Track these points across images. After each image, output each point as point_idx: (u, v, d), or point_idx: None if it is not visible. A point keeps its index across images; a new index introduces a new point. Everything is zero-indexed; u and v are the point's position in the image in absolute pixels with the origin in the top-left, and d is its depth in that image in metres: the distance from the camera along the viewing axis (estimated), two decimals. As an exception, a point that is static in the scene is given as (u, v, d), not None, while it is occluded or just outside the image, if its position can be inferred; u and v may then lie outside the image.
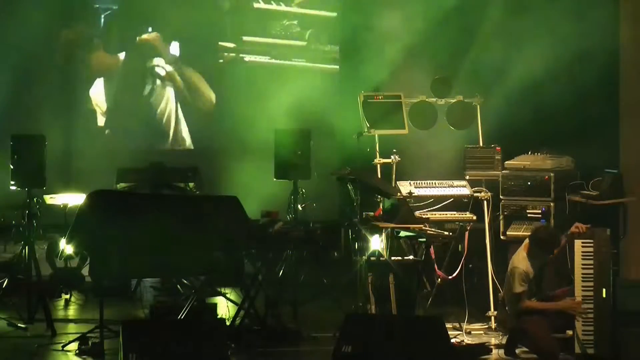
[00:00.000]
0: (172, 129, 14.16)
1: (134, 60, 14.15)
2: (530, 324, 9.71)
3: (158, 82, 14.16)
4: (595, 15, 12.11)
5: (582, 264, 9.79)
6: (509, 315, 10.08)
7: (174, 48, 14.16)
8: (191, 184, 12.31)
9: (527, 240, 9.90)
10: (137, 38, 14.09)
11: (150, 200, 10.65)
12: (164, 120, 14.18)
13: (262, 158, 12.67)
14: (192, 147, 14.16)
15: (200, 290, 10.72)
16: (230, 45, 14.15)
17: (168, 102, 14.16)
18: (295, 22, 14.27)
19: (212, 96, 14.22)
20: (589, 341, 9.72)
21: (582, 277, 9.78)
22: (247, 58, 14.17)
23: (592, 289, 9.76)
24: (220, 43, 14.15)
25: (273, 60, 14.18)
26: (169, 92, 14.19)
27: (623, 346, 9.87)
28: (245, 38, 14.18)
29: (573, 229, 9.87)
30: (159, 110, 14.17)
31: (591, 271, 9.77)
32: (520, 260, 9.77)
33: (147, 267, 10.17)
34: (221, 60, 14.17)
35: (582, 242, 9.83)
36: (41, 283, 10.94)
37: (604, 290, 9.74)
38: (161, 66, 14.13)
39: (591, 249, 9.80)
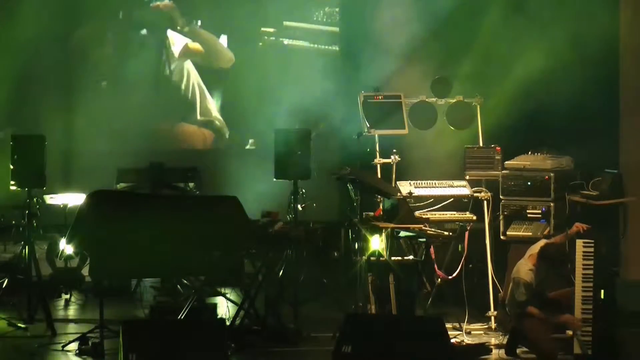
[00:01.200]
0: (198, 102, 14.24)
1: (149, 36, 14.25)
2: (530, 325, 9.71)
3: (176, 56, 14.22)
4: (595, 16, 12.10)
5: (583, 264, 9.79)
6: (509, 316, 10.08)
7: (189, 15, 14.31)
8: (191, 184, 12.31)
9: (534, 251, 9.88)
10: (151, 5, 14.14)
11: (150, 200, 10.64)
12: (190, 94, 14.26)
13: (262, 158, 12.66)
14: (219, 117, 14.28)
15: (200, 290, 10.72)
16: (270, 29, 14.33)
17: (190, 76, 14.23)
18: (337, 9, 14.37)
19: (231, 55, 14.29)
20: (589, 341, 9.72)
21: (583, 277, 9.78)
22: (286, 42, 14.32)
23: (592, 289, 9.76)
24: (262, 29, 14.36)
25: (313, 45, 14.33)
26: (188, 65, 14.29)
27: (623, 346, 9.86)
28: (286, 23, 14.31)
29: (574, 228, 9.89)
30: (182, 86, 14.27)
31: (591, 271, 9.77)
32: (526, 272, 9.77)
33: (147, 267, 10.17)
34: (260, 43, 14.31)
35: (584, 242, 9.83)
36: (41, 283, 10.92)
37: (602, 291, 9.74)
38: (178, 34, 14.20)
39: (592, 249, 9.79)
